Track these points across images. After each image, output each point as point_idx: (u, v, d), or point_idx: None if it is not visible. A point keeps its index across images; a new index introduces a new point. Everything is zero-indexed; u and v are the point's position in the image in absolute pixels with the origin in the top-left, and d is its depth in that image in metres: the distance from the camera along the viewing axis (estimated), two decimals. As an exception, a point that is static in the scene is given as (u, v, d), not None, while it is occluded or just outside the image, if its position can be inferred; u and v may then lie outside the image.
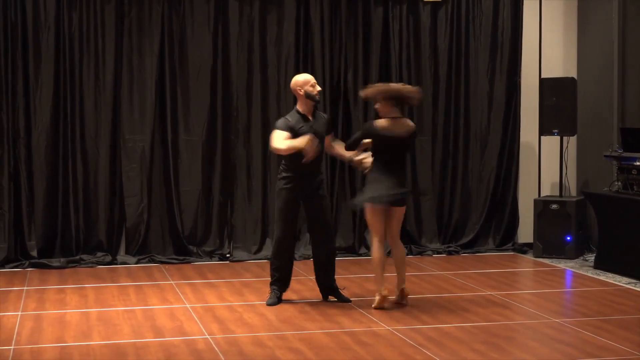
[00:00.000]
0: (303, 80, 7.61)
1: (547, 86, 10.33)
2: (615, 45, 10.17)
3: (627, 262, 8.92)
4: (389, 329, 6.83)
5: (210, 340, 6.54)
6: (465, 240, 10.52)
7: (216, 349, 6.31)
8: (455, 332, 6.77)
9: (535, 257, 10.15)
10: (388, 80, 10.24)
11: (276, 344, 6.42)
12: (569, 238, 10.02)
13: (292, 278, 8.76)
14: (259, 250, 10.00)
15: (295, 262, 9.67)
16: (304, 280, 8.73)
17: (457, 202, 10.52)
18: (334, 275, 7.86)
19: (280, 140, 7.43)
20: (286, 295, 8.03)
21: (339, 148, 7.89)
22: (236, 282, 8.72)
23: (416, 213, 10.41)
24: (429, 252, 10.28)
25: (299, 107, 7.65)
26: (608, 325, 6.96)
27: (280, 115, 9.89)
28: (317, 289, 7.96)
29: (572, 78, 10.40)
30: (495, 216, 10.65)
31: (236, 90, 10.00)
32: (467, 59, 10.53)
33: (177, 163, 9.89)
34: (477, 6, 10.52)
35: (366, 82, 10.24)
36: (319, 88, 7.66)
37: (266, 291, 8.07)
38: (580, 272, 9.32)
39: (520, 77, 10.59)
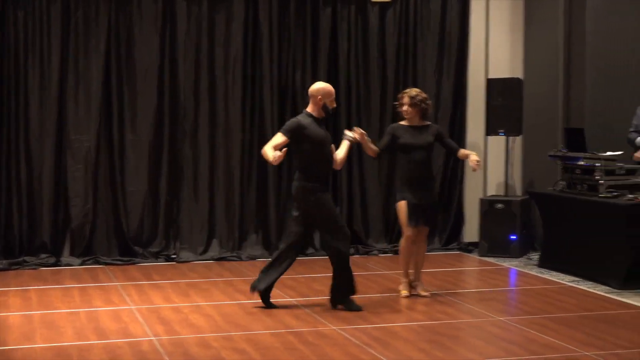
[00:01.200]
0: (328, 91, 7.52)
1: (494, 86, 10.41)
2: (561, 47, 10.28)
3: (571, 260, 9.02)
4: (334, 329, 6.84)
5: (155, 341, 6.49)
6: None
7: (161, 350, 6.27)
8: (400, 332, 6.79)
9: (480, 256, 10.23)
10: (337, 80, 10.25)
11: (222, 345, 6.39)
12: (513, 237, 10.11)
13: (241, 279, 8.80)
14: (205, 251, 9.96)
15: (242, 263, 9.73)
16: (251, 281, 8.69)
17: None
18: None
19: (270, 145, 7.33)
20: (233, 296, 8.04)
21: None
22: (182, 283, 8.67)
23: (363, 213, 10.44)
24: (375, 252, 10.31)
25: (311, 111, 7.52)
26: (552, 324, 7.03)
27: (227, 115, 9.94)
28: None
29: (518, 79, 10.50)
30: (441, 215, 10.70)
31: (184, 90, 9.95)
32: (415, 59, 10.58)
33: (124, 163, 9.81)
34: (424, 7, 10.56)
35: (314, 82, 10.24)
36: (334, 105, 7.62)
37: (213, 292, 8.15)
38: (525, 270, 9.40)
39: (465, 78, 10.66)
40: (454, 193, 10.68)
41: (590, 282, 8.60)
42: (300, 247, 7.68)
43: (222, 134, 10.04)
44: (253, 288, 7.59)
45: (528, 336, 6.67)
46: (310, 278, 8.91)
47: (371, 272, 9.23)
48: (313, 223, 7.53)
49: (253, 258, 9.91)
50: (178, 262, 9.78)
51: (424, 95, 8.02)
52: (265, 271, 7.57)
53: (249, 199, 10.14)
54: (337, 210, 7.63)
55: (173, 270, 9.33)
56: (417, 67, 10.58)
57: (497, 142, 10.68)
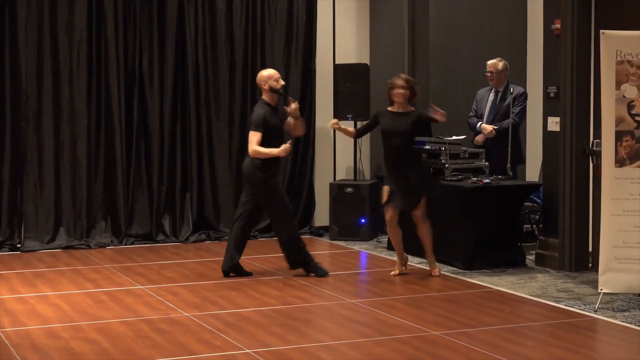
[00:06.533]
0: (267, 75, 8.16)
1: (341, 72, 10.52)
2: (405, 34, 10.49)
3: (417, 242, 9.20)
4: (187, 316, 6.79)
5: (1, 334, 6.30)
6: (263, 224, 10.56)
7: (7, 342, 6.08)
8: (253, 316, 6.80)
9: (331, 239, 10.35)
10: (184, 66, 10.17)
11: (71, 335, 6.26)
12: (363, 220, 10.27)
13: (90, 267, 8.65)
14: (52, 239, 9.71)
15: (90, 251, 9.54)
16: (99, 269, 8.56)
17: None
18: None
19: (256, 143, 7.90)
20: (82, 285, 7.89)
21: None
22: (28, 272, 8.44)
23: (214, 199, 10.39)
24: (227, 238, 10.28)
25: (265, 98, 8.15)
26: (401, 305, 7.18)
27: (72, 100, 9.71)
28: (112, 277, 7.92)
29: (365, 64, 10.65)
30: (292, 200, 10.74)
31: (26, 75, 9.65)
32: (263, 45, 10.58)
33: (-37, 151, 9.48)
34: (272, -8, 10.60)
35: (162, 67, 10.14)
36: (282, 82, 8.20)
37: (60, 282, 7.98)
38: (374, 253, 9.57)
39: (315, 63, 10.75)
40: (304, 178, 10.76)
41: (437, 263, 8.81)
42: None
43: (67, 119, 9.81)
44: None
45: (378, 317, 6.79)
46: (161, 265, 8.82)
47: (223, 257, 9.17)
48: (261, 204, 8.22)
49: (102, 246, 9.74)
50: (23, 251, 9.51)
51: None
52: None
53: (96, 186, 9.94)
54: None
55: (18, 260, 9.07)
56: (266, 53, 10.59)
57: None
